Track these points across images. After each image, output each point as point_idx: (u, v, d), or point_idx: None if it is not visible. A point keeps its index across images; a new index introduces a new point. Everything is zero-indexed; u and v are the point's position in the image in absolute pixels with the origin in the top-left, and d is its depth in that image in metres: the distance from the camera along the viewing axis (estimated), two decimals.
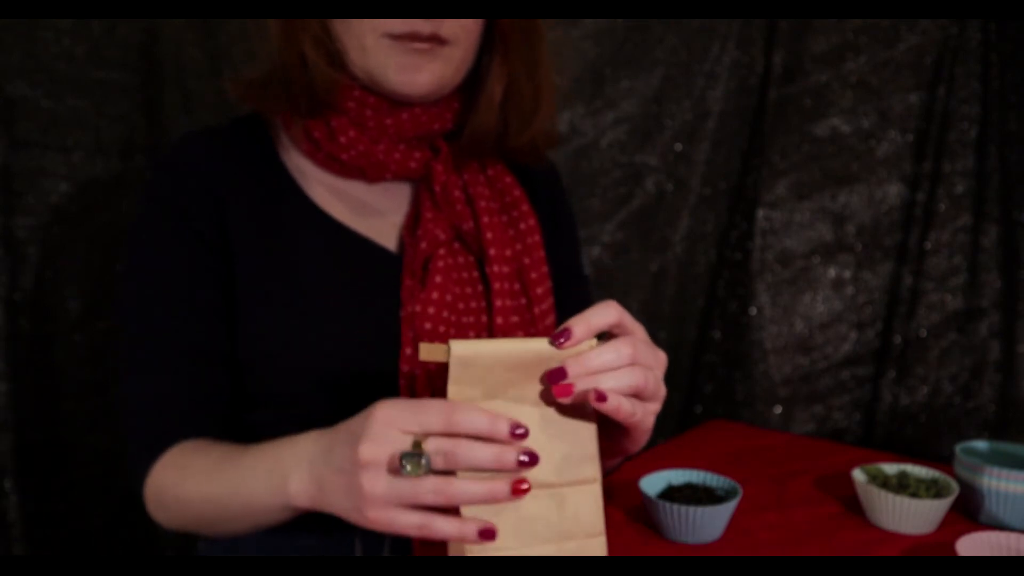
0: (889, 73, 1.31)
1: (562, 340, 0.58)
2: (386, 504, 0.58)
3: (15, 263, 1.08)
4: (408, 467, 0.56)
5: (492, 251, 0.84)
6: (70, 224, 1.12)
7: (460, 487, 0.57)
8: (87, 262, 1.13)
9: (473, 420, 0.57)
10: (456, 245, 0.85)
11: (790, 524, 0.90)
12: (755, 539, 0.86)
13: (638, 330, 0.62)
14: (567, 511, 0.61)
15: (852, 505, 0.94)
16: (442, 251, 0.83)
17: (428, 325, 0.79)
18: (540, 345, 0.59)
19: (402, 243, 0.85)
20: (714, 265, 1.46)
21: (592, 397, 0.58)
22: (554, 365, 0.59)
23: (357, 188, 0.86)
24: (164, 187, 0.82)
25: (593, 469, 0.62)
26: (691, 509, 0.82)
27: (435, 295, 0.80)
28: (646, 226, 1.43)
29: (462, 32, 0.80)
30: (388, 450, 0.57)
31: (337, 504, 0.63)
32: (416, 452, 0.56)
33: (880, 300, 1.35)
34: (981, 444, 0.98)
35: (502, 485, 0.57)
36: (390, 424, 0.58)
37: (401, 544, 0.83)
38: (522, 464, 0.57)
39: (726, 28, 1.38)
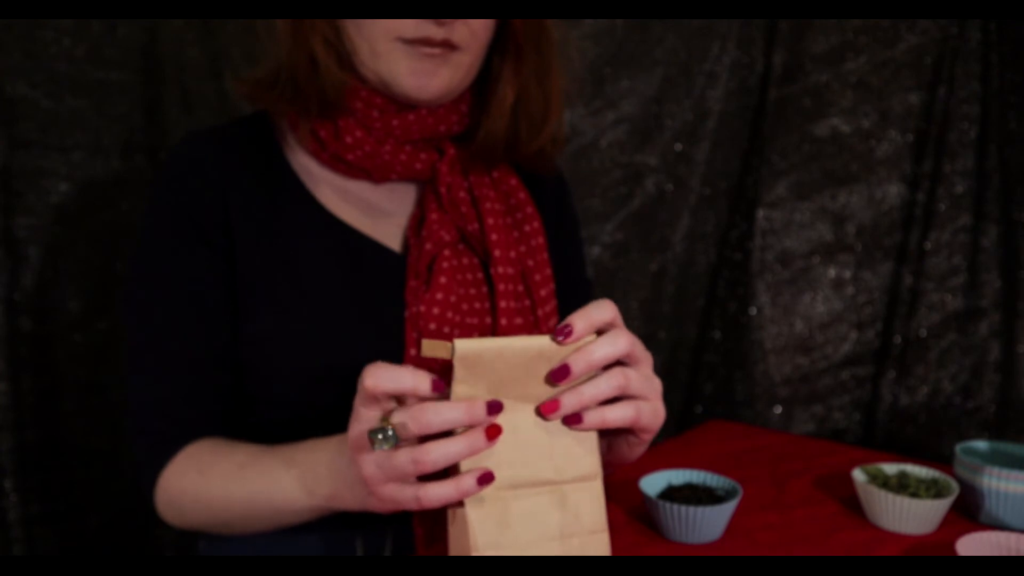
0: (889, 73, 1.31)
1: (563, 336, 0.58)
2: (383, 482, 0.59)
3: (15, 263, 1.08)
4: (376, 442, 0.57)
5: (497, 252, 0.84)
6: (70, 224, 1.12)
7: (436, 449, 0.56)
8: (87, 262, 1.13)
9: (391, 381, 0.57)
10: (461, 246, 0.85)
11: (790, 524, 0.90)
12: (755, 539, 0.86)
13: (643, 356, 0.63)
14: (568, 508, 0.61)
15: (852, 505, 0.94)
16: (447, 252, 0.83)
17: (432, 326, 0.79)
18: (542, 342, 0.59)
19: (407, 244, 0.85)
20: (714, 265, 1.46)
21: (571, 421, 0.60)
22: (555, 362, 0.59)
23: (363, 189, 0.86)
24: (168, 187, 0.82)
25: (594, 466, 0.62)
26: (691, 509, 0.82)
27: (439, 296, 0.80)
28: (646, 226, 1.43)
29: (472, 38, 0.80)
30: (365, 429, 0.59)
31: (354, 498, 0.65)
32: (382, 426, 0.57)
33: (880, 300, 1.35)
34: (981, 444, 0.98)
35: (477, 434, 0.57)
36: (364, 402, 0.58)
37: (402, 544, 0.83)
38: (491, 411, 0.57)
39: (726, 28, 1.38)
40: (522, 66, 0.85)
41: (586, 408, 0.60)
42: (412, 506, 0.59)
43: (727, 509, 0.84)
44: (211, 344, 0.81)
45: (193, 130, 0.87)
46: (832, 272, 1.37)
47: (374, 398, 0.58)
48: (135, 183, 1.15)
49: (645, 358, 0.63)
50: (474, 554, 0.59)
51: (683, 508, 0.82)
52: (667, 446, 1.16)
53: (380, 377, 0.57)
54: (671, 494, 0.88)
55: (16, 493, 1.10)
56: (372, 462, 0.59)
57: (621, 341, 0.60)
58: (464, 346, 0.57)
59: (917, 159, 1.31)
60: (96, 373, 1.15)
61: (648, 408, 0.62)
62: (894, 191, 1.33)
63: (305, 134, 0.83)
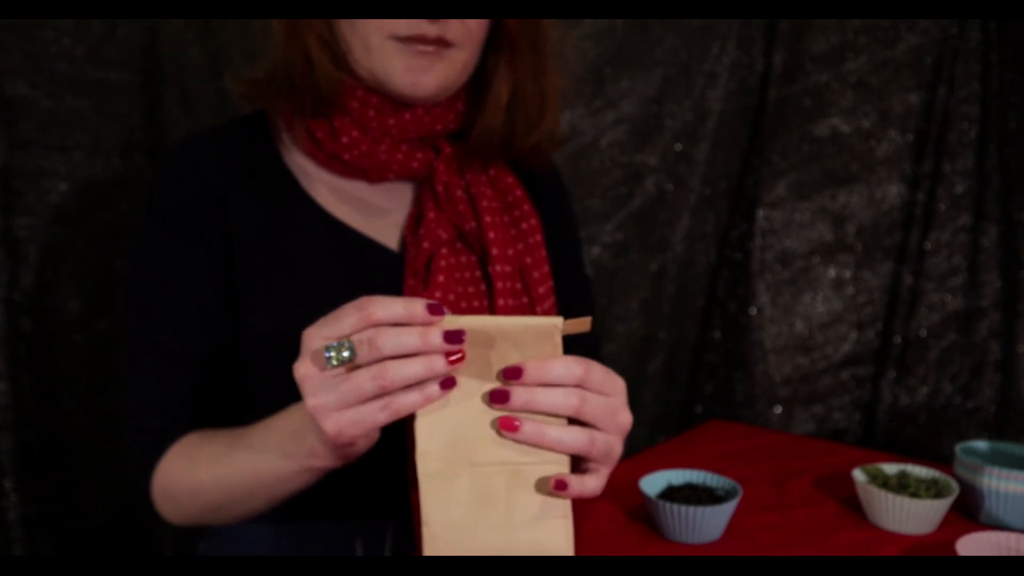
0: (889, 73, 1.31)
1: (512, 378, 0.58)
2: (337, 409, 0.58)
3: (15, 263, 1.08)
4: (332, 356, 0.56)
5: (494, 251, 0.84)
6: (70, 224, 1.12)
7: (397, 367, 0.56)
8: (87, 262, 1.13)
9: (388, 308, 0.57)
10: (458, 245, 0.85)
11: (790, 524, 0.90)
12: (755, 539, 0.86)
13: (609, 386, 0.61)
14: (531, 491, 0.60)
15: (852, 505, 0.94)
16: (444, 250, 0.83)
17: None
18: (515, 324, 0.59)
19: (404, 243, 0.85)
20: (714, 265, 1.46)
21: (507, 425, 0.59)
22: (524, 349, 0.59)
23: (359, 188, 0.86)
24: (167, 187, 0.82)
25: (561, 453, 0.61)
26: (691, 509, 0.82)
27: (438, 295, 0.80)
28: (646, 226, 1.43)
29: (467, 35, 0.80)
30: (318, 347, 0.58)
31: (314, 442, 0.64)
32: (338, 342, 0.57)
33: (880, 300, 1.35)
34: (981, 444, 0.98)
35: (438, 359, 0.57)
36: (312, 338, 0.58)
37: (402, 544, 0.83)
38: (447, 340, 0.57)
39: (726, 28, 1.38)
40: (517, 63, 0.85)
41: (533, 410, 0.59)
42: (379, 419, 0.57)
43: (727, 509, 0.84)
44: (210, 343, 0.81)
45: (192, 130, 0.87)
46: (832, 272, 1.37)
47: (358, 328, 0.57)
48: (135, 183, 1.15)
49: (615, 390, 0.62)
50: (425, 530, 0.59)
51: (683, 508, 0.82)
52: (667, 446, 1.16)
53: (376, 304, 0.56)
54: (671, 494, 0.88)
55: (16, 493, 1.10)
56: (325, 389, 0.57)
57: (577, 368, 0.59)
58: (451, 320, 0.58)
59: (917, 159, 1.31)
60: (96, 373, 1.15)
61: (602, 440, 0.61)
62: (894, 191, 1.33)
63: (301, 134, 0.83)
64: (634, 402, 1.45)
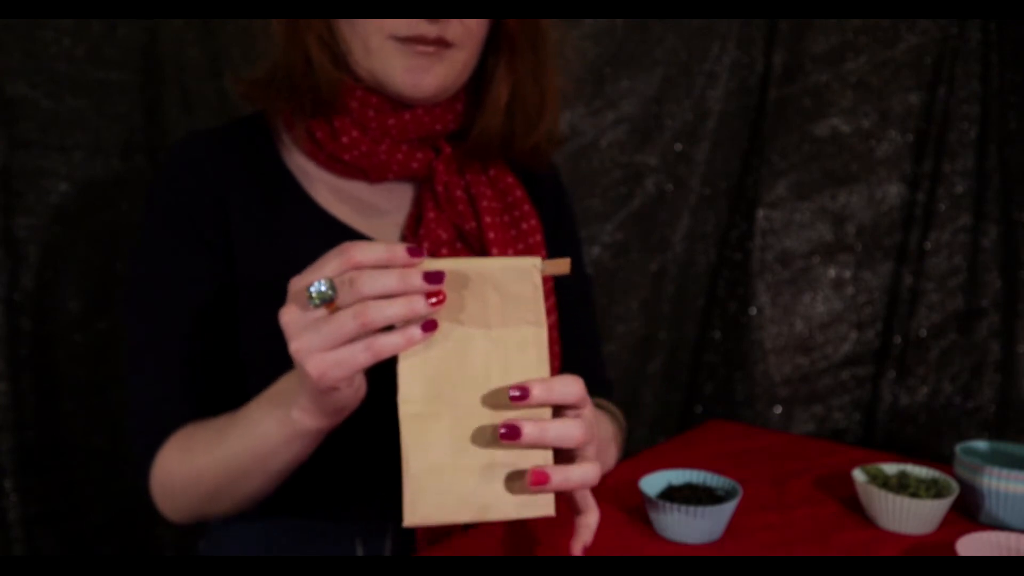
0: (889, 73, 1.31)
1: (517, 398, 0.58)
2: (320, 351, 0.58)
3: (15, 263, 1.08)
4: (314, 295, 0.57)
5: (494, 251, 0.84)
6: (70, 224, 1.12)
7: (378, 306, 0.56)
8: (87, 262, 1.13)
9: (369, 250, 0.57)
10: (458, 245, 0.85)
11: (790, 524, 0.90)
12: (755, 539, 0.86)
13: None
14: (511, 371, 0.60)
15: (852, 505, 0.94)
16: (444, 251, 0.83)
17: None
18: (494, 266, 0.59)
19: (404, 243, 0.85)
20: (714, 265, 1.46)
21: (537, 480, 0.58)
22: (504, 291, 0.59)
23: (359, 188, 0.86)
24: (167, 187, 0.82)
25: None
26: (691, 509, 0.82)
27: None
28: (646, 226, 1.43)
29: (467, 35, 0.80)
30: (301, 287, 0.58)
31: (302, 399, 0.64)
32: (319, 282, 0.57)
33: (880, 300, 1.35)
34: (981, 444, 0.98)
35: (418, 299, 0.57)
36: (297, 285, 0.59)
37: (402, 544, 0.83)
38: (427, 280, 0.57)
39: (726, 28, 1.38)
40: (517, 63, 0.85)
41: (543, 446, 0.59)
42: (361, 361, 0.57)
43: (727, 509, 0.84)
44: (210, 343, 0.81)
45: (192, 130, 0.87)
46: (832, 272, 1.37)
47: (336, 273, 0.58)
48: (135, 183, 1.15)
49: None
50: (405, 474, 0.58)
51: (683, 508, 0.82)
52: (667, 446, 1.16)
53: (357, 248, 0.57)
54: (671, 494, 0.88)
55: (16, 493, 1.10)
56: (308, 332, 0.58)
57: (574, 387, 0.60)
58: (431, 263, 0.58)
59: (917, 159, 1.31)
60: (96, 373, 1.15)
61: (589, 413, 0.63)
62: (894, 191, 1.33)
63: (301, 134, 0.83)
64: (634, 402, 1.46)
